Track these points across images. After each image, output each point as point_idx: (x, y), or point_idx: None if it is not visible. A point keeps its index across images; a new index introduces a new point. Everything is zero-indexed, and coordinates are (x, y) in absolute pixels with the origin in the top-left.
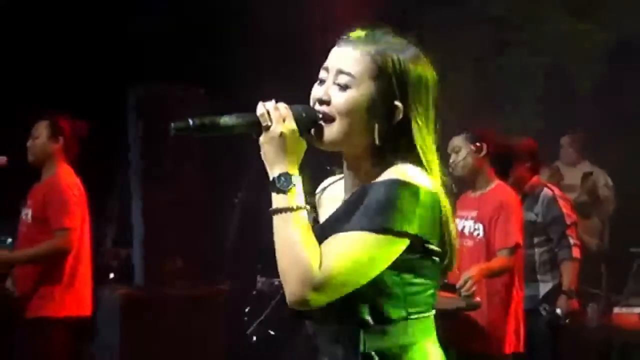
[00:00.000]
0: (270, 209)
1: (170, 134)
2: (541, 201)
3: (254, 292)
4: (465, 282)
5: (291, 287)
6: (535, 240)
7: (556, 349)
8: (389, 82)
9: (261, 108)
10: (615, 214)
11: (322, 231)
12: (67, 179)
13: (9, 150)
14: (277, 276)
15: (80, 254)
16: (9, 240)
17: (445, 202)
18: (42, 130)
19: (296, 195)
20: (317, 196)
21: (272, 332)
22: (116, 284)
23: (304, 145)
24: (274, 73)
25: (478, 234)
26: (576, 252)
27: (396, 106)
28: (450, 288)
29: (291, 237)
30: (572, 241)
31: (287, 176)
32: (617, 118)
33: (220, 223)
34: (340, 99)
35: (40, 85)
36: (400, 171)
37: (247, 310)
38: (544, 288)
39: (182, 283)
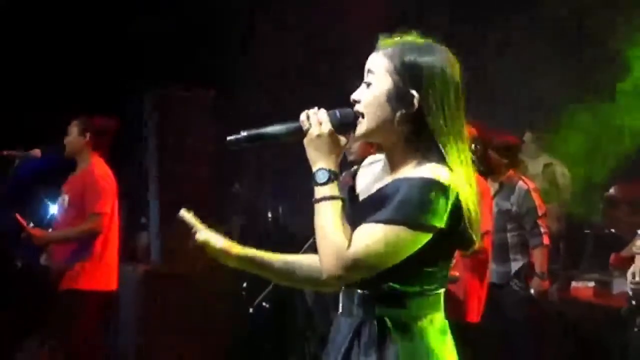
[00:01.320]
0: (313, 199)
1: (227, 148)
2: (517, 193)
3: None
4: None
5: (326, 266)
6: (509, 226)
7: (525, 318)
8: (403, 74)
9: (303, 115)
10: (572, 199)
11: (358, 211)
12: (99, 169)
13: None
14: None
15: (109, 235)
16: (31, 224)
17: (470, 193)
18: (73, 128)
19: (333, 187)
20: (360, 169)
21: (266, 305)
22: (137, 262)
23: (342, 144)
24: (278, 76)
25: None
26: (546, 239)
27: (412, 95)
28: None
29: (328, 223)
30: (542, 230)
31: (325, 171)
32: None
33: (226, 209)
34: (364, 96)
35: (73, 91)
36: (430, 169)
37: (244, 285)
38: (515, 266)
39: (194, 261)
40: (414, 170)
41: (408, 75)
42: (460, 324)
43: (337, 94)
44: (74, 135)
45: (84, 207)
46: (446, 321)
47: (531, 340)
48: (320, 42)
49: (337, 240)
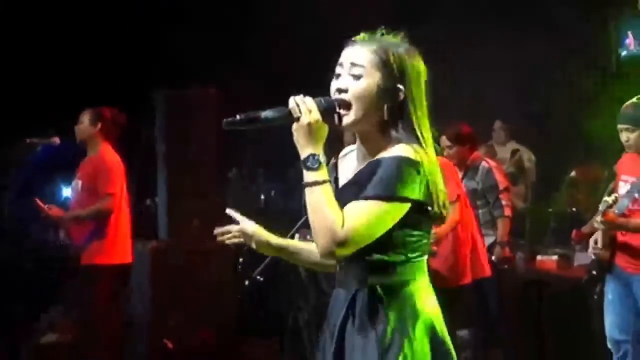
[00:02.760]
0: (303, 182)
1: (223, 127)
2: (480, 172)
3: (245, 247)
4: None
5: (321, 243)
6: (478, 203)
7: (496, 288)
8: (391, 70)
9: (292, 102)
10: (537, 181)
11: (340, 195)
12: (109, 155)
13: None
14: None
15: (120, 214)
16: (47, 206)
17: (436, 170)
18: (84, 117)
19: (322, 171)
20: (338, 161)
21: (260, 278)
22: (146, 239)
23: (326, 130)
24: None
25: None
26: (507, 211)
27: (399, 89)
28: None
29: (320, 205)
30: (504, 202)
31: (314, 156)
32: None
33: (225, 192)
34: (355, 87)
35: (89, 87)
36: (405, 149)
37: (240, 261)
38: (488, 240)
39: (197, 239)
40: (389, 151)
41: (396, 70)
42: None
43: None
44: (85, 124)
45: (96, 190)
46: (430, 284)
47: (500, 308)
48: (322, 39)
49: (331, 219)
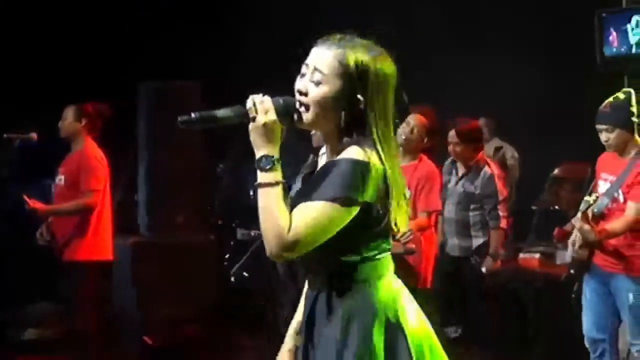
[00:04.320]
0: (255, 183)
1: (179, 126)
2: (481, 177)
3: (232, 243)
4: (404, 234)
5: (269, 246)
6: (472, 206)
7: (480, 286)
8: (351, 80)
9: (250, 102)
10: (520, 179)
11: (297, 198)
12: (92, 151)
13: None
14: (255, 228)
15: (102, 211)
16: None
17: (391, 175)
18: (68, 113)
19: (275, 172)
20: (318, 159)
21: (246, 274)
22: (127, 234)
23: (282, 131)
24: (264, 68)
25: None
26: (504, 223)
27: (358, 99)
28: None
29: (270, 206)
30: (501, 213)
31: (268, 157)
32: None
33: (209, 187)
34: (314, 92)
35: (72, 80)
36: (356, 151)
37: (227, 256)
38: (476, 242)
39: (180, 233)
40: (342, 154)
41: (356, 80)
42: (420, 290)
43: None
44: (69, 120)
45: (79, 185)
46: (395, 282)
47: (482, 304)
48: (308, 32)
49: (278, 223)
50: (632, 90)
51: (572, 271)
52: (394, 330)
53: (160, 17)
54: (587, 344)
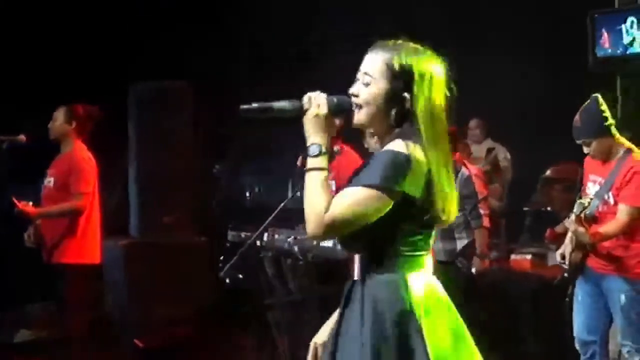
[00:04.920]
0: (304, 168)
1: (240, 114)
2: (459, 178)
3: (228, 244)
4: None
5: (309, 226)
6: None
7: (469, 290)
8: (397, 80)
9: (306, 97)
10: (512, 180)
11: (347, 186)
12: (82, 153)
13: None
14: (245, 230)
15: (91, 213)
16: (30, 203)
17: (435, 171)
18: (59, 115)
19: (322, 160)
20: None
21: (240, 276)
22: (119, 236)
23: (334, 125)
24: (258, 68)
25: None
26: (486, 222)
27: (404, 97)
28: None
29: (312, 189)
30: (482, 212)
31: (317, 146)
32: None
33: (202, 188)
34: (364, 93)
35: (61, 81)
36: (398, 144)
37: (221, 258)
38: (461, 244)
39: (170, 235)
40: (386, 146)
41: (402, 80)
42: None
43: (306, 82)
44: (59, 122)
45: (68, 188)
46: (429, 281)
47: (472, 310)
48: (293, 32)
49: (317, 204)
50: (598, 95)
51: (565, 274)
52: (414, 332)
53: (156, 17)
54: (577, 346)
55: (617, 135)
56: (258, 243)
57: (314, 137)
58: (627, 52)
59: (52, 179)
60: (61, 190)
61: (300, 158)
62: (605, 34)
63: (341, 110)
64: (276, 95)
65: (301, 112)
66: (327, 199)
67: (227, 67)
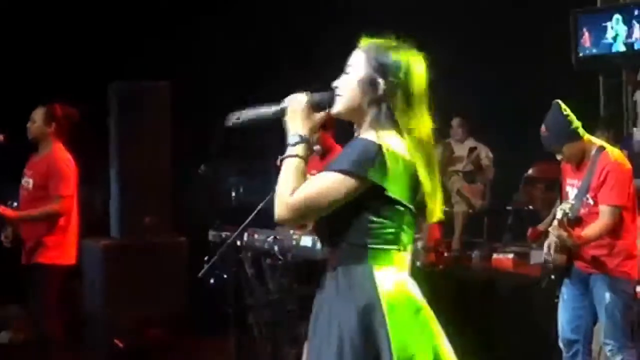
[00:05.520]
0: (283, 155)
1: (228, 125)
2: None
3: (211, 245)
4: None
5: (275, 209)
6: None
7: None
8: (372, 65)
9: (287, 98)
10: (494, 179)
11: None
12: (61, 154)
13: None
14: (226, 230)
15: (70, 215)
16: (15, 204)
17: (414, 161)
18: (37, 116)
19: (298, 148)
20: None
21: (225, 276)
22: (98, 236)
23: (315, 117)
24: (236, 68)
25: None
26: None
27: (378, 82)
28: None
29: (283, 175)
30: None
31: (294, 135)
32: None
33: (182, 188)
34: (341, 81)
35: (40, 80)
36: (370, 133)
37: (205, 258)
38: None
39: (150, 235)
40: (361, 135)
41: (377, 65)
42: None
43: (294, 82)
44: (38, 124)
45: (47, 189)
46: (404, 279)
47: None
48: (278, 31)
49: (284, 188)
50: (559, 101)
51: (552, 277)
52: (379, 326)
53: (137, 17)
54: (561, 344)
55: (586, 136)
56: (238, 243)
57: (293, 128)
58: (610, 52)
59: (30, 180)
60: (40, 191)
61: (278, 159)
62: (586, 33)
63: (322, 105)
64: (260, 96)
65: (282, 114)
66: (295, 184)
67: (208, 68)
